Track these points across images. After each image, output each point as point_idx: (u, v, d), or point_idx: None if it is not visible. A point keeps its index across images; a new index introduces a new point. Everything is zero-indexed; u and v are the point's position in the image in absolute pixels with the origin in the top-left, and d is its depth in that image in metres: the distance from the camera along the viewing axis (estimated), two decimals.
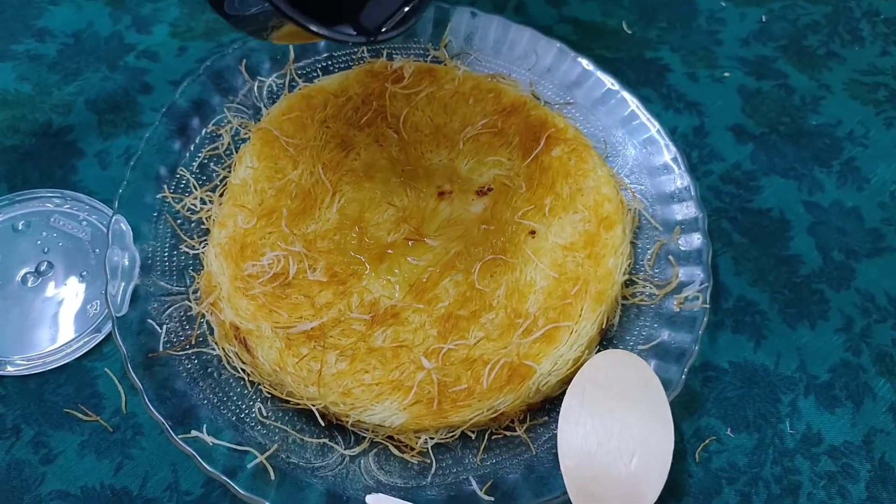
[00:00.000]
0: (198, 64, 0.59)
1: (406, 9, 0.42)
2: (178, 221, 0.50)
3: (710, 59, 0.65)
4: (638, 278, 0.51)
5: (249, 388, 0.46)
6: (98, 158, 0.56)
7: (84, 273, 0.51)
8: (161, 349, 0.45)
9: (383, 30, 0.42)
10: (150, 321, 0.46)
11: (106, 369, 0.48)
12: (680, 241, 0.51)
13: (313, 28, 0.39)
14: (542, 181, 0.52)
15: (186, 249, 0.50)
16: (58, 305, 0.50)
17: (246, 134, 0.54)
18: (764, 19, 0.69)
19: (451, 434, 0.44)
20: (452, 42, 0.60)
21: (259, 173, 0.51)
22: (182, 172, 0.52)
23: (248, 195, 0.50)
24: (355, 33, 0.41)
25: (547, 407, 0.46)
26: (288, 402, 0.45)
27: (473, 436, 0.45)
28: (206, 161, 0.53)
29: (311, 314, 0.46)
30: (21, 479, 0.45)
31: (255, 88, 0.56)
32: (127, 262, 0.48)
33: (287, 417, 0.45)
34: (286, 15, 0.37)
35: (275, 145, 0.52)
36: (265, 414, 0.45)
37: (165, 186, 0.51)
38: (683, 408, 0.49)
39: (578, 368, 0.45)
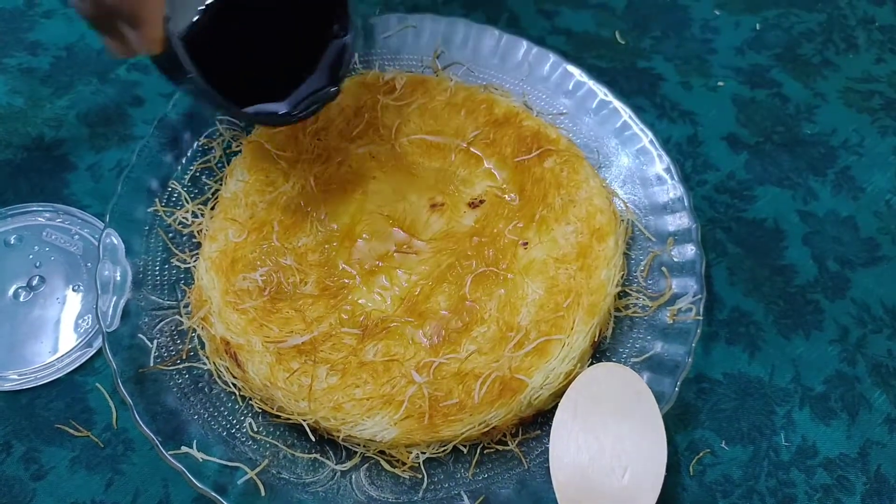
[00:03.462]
0: None
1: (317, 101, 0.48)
2: (170, 235, 0.50)
3: (703, 68, 0.65)
4: (631, 290, 0.50)
5: (240, 403, 0.46)
6: (90, 172, 0.56)
7: (76, 287, 0.51)
8: (152, 364, 0.45)
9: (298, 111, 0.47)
10: (140, 336, 0.46)
11: (97, 384, 0.48)
12: (673, 252, 0.51)
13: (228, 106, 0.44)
14: (535, 193, 0.52)
15: (178, 263, 0.50)
16: (49, 320, 0.50)
17: (238, 147, 0.54)
18: (758, 28, 0.68)
19: (442, 448, 0.44)
20: (445, 53, 0.60)
21: (250, 186, 0.51)
22: (174, 186, 0.52)
23: (240, 208, 0.50)
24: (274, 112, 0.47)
25: (539, 420, 0.46)
26: (279, 416, 0.44)
27: (465, 450, 0.45)
28: (197, 174, 0.53)
29: (301, 328, 0.46)
30: (11, 496, 0.44)
31: None
32: (118, 277, 0.47)
33: (278, 432, 0.45)
34: (206, 93, 0.42)
35: (266, 158, 0.52)
36: (256, 429, 0.45)
37: (157, 200, 0.51)
38: (677, 420, 0.48)
39: (571, 382, 0.44)
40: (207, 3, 0.44)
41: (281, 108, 0.47)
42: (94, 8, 0.38)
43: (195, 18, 0.43)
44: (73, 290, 0.51)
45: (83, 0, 0.38)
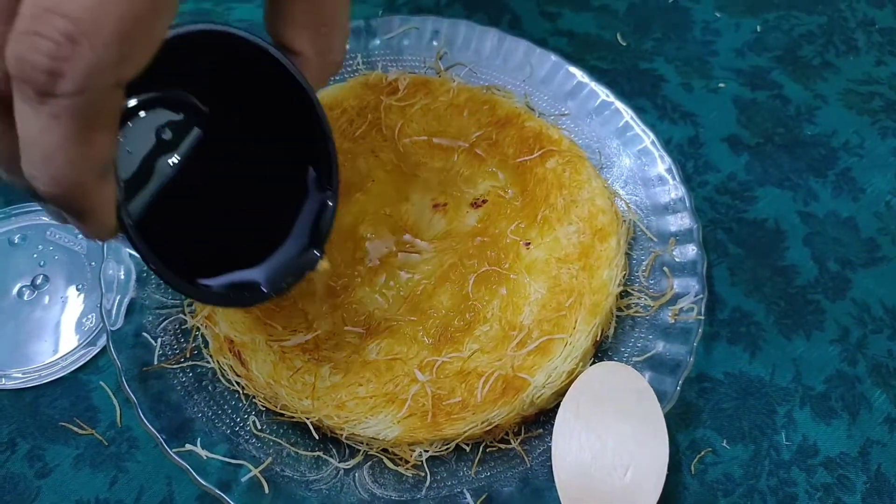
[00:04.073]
0: None
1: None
2: None
3: (704, 69, 0.65)
4: (633, 290, 0.51)
5: (244, 401, 0.46)
6: None
7: (80, 286, 0.51)
8: (156, 362, 0.45)
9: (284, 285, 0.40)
10: (144, 334, 0.46)
11: (101, 382, 0.48)
12: (675, 253, 0.51)
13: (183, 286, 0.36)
14: (537, 193, 0.52)
15: None
16: (53, 319, 0.50)
17: None
18: (759, 30, 0.69)
19: (445, 447, 0.44)
20: (447, 54, 0.60)
21: None
22: None
23: None
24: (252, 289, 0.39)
25: (542, 419, 0.46)
26: (282, 415, 0.45)
27: (468, 448, 0.45)
28: None
29: (305, 327, 0.46)
30: (16, 494, 0.45)
31: None
32: (122, 275, 0.48)
33: (281, 430, 0.45)
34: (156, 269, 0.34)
35: None
36: (259, 427, 0.45)
37: None
38: (679, 419, 0.49)
39: (573, 381, 0.45)
40: (164, 177, 0.36)
41: (256, 275, 0.40)
42: (32, 196, 0.29)
43: (151, 196, 0.35)
44: (77, 288, 0.51)
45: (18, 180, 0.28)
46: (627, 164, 0.55)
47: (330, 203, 0.40)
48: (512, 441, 0.45)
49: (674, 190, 0.53)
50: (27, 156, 0.25)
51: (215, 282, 0.38)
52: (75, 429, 0.47)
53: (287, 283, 0.39)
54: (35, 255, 0.52)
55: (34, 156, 0.25)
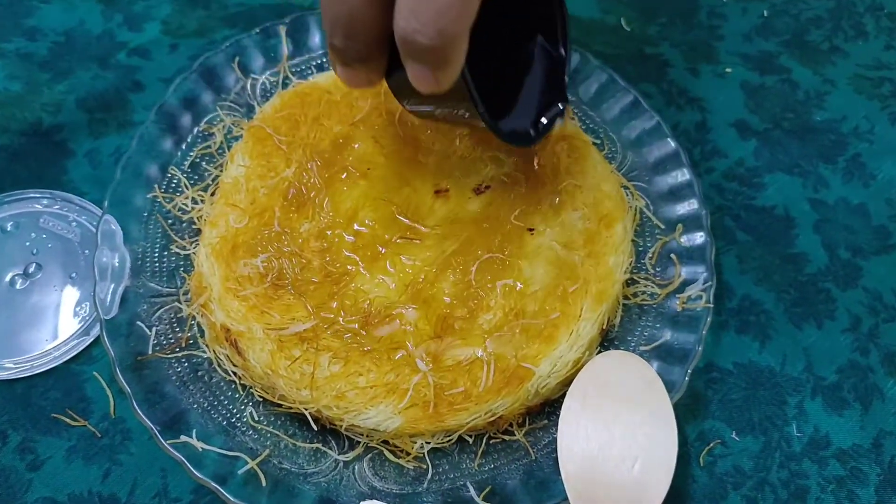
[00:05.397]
0: (190, 61, 0.58)
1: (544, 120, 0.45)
2: (169, 221, 0.49)
3: (711, 54, 0.64)
4: (639, 277, 0.50)
5: (241, 392, 0.45)
6: (88, 158, 0.55)
7: (73, 275, 0.50)
8: (150, 352, 0.44)
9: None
10: (139, 323, 0.45)
11: (94, 373, 0.47)
12: (682, 240, 0.50)
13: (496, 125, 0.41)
14: (541, 178, 0.51)
15: (177, 250, 0.49)
16: (46, 308, 0.49)
17: (239, 132, 0.53)
18: (766, 14, 0.67)
19: (447, 438, 0.43)
20: None
21: (251, 172, 0.50)
22: (173, 172, 0.51)
23: (240, 194, 0.49)
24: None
25: (546, 410, 0.45)
26: (280, 405, 0.43)
27: (471, 440, 0.44)
28: (197, 160, 0.52)
29: (303, 315, 0.45)
30: (7, 487, 0.44)
31: (248, 86, 0.55)
32: (116, 264, 0.47)
33: (279, 422, 0.44)
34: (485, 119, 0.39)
35: (267, 143, 0.50)
36: (257, 418, 0.44)
37: (156, 186, 0.50)
38: (687, 410, 0.47)
39: (579, 370, 0.44)
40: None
41: (522, 123, 0.45)
42: (373, 42, 0.35)
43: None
44: (71, 277, 0.50)
45: (353, 38, 0.34)
46: (633, 150, 0.54)
47: (564, 60, 0.45)
48: (516, 432, 0.44)
49: (681, 176, 0.52)
50: (417, 11, 0.30)
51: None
52: (68, 420, 0.45)
53: (545, 128, 0.45)
54: (28, 244, 0.51)
55: (427, 12, 0.30)
